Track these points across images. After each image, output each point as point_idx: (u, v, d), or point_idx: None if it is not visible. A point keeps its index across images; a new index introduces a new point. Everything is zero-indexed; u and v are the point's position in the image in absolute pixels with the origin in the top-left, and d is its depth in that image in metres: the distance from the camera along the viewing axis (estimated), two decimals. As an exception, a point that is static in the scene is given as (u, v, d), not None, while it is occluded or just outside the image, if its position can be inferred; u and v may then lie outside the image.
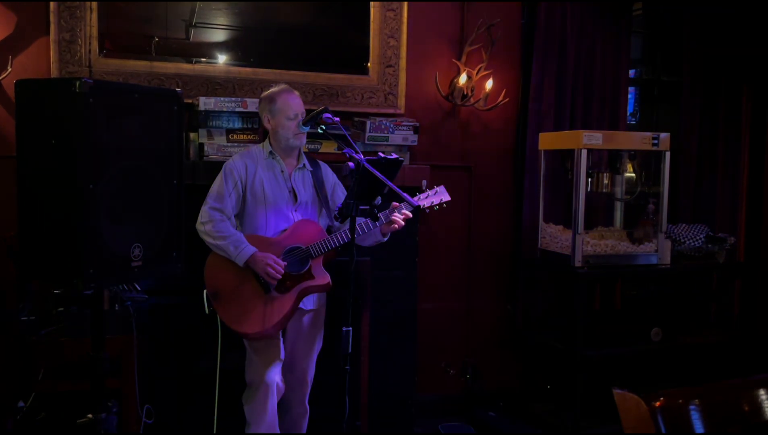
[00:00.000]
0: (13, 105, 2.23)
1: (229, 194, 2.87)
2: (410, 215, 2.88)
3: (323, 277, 2.89)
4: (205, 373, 3.12)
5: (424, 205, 2.89)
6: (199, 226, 2.85)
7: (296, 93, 2.98)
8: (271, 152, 2.94)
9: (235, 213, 2.93)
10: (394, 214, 2.85)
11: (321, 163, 3.11)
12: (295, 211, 2.94)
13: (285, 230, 2.90)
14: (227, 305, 2.85)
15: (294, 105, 2.91)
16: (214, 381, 2.96)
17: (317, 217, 3.01)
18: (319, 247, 2.85)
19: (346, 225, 2.73)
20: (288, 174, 2.95)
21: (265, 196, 2.89)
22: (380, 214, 2.79)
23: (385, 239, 2.97)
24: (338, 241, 2.84)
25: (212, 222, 2.83)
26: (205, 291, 2.86)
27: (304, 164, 3.00)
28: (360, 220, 2.77)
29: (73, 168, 2.05)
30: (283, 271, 2.81)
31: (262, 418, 2.87)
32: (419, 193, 2.93)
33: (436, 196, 2.93)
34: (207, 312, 2.85)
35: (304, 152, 3.07)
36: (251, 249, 2.80)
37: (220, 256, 2.84)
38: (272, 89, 2.99)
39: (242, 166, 2.91)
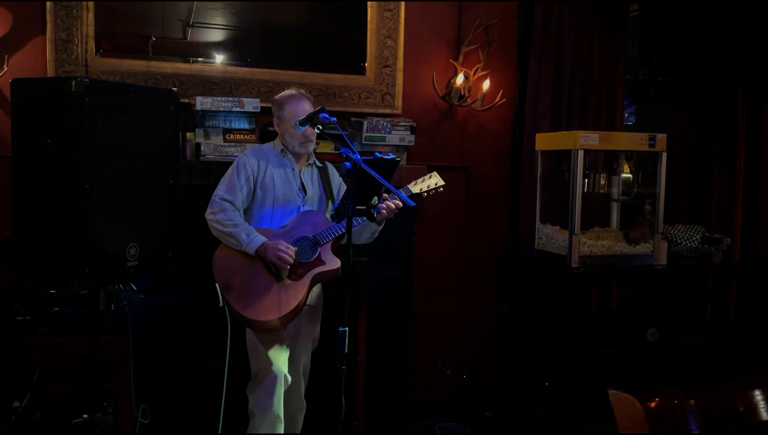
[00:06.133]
0: (8, 104, 2.22)
1: (241, 188, 2.90)
2: (400, 205, 2.84)
3: (334, 262, 2.91)
4: (202, 374, 3.11)
5: (421, 190, 2.96)
6: (208, 216, 2.86)
7: (307, 99, 2.98)
8: (282, 150, 2.99)
9: (244, 208, 2.94)
10: (386, 202, 2.84)
11: (328, 164, 3.15)
12: (303, 207, 2.98)
13: (289, 222, 2.93)
14: (241, 296, 2.82)
15: (301, 114, 2.86)
16: (211, 381, 2.96)
17: (324, 213, 3.05)
18: (326, 234, 2.89)
19: None
20: (298, 171, 3.01)
21: (275, 191, 2.93)
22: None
23: (380, 227, 2.98)
24: (344, 228, 2.84)
25: (224, 211, 2.84)
26: (216, 284, 2.84)
27: (313, 161, 3.06)
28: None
29: (69, 168, 2.04)
30: (294, 257, 2.82)
31: (269, 408, 2.83)
32: (414, 180, 3.00)
33: (431, 180, 2.99)
34: (221, 305, 2.82)
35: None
36: (261, 238, 2.82)
37: (227, 248, 2.85)
38: (284, 93, 3.00)
39: (255, 162, 2.94)
